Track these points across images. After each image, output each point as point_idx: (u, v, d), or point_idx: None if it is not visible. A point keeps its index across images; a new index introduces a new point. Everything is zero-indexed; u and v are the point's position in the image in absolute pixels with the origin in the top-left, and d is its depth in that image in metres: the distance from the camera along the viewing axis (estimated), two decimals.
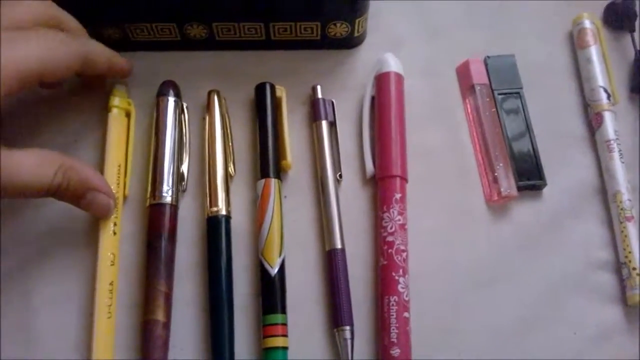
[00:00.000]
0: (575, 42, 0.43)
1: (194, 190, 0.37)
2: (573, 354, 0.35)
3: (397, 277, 0.34)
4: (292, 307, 0.34)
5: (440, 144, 0.40)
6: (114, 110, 0.37)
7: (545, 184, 0.38)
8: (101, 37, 0.37)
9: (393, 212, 0.36)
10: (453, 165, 0.39)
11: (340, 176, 0.38)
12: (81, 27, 0.35)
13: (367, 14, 0.39)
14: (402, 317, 0.34)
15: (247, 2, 0.37)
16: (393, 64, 0.39)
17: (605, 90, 0.40)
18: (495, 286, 0.36)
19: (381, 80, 0.39)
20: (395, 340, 0.33)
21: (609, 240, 0.38)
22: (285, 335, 0.33)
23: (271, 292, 0.34)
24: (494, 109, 0.40)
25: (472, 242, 0.37)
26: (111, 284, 0.34)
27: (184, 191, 0.37)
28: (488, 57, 0.41)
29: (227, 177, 0.37)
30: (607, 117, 0.40)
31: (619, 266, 0.37)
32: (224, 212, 0.35)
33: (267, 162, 0.37)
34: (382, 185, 0.37)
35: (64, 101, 0.39)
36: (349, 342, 0.34)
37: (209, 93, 0.39)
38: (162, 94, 0.38)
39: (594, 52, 0.41)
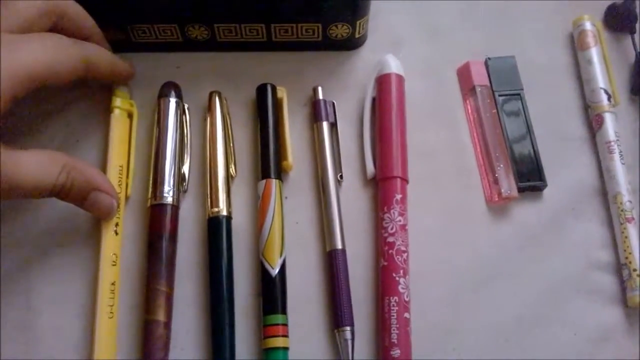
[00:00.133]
0: (576, 44, 0.43)
1: (195, 191, 0.38)
2: (573, 354, 0.35)
3: (397, 278, 0.34)
4: (293, 308, 0.34)
5: (440, 145, 0.40)
6: (116, 111, 0.37)
7: (545, 185, 0.39)
8: None
9: (394, 213, 0.36)
10: (453, 166, 0.39)
11: (341, 177, 0.38)
12: (86, 14, 0.35)
13: (368, 16, 0.40)
14: (403, 318, 0.34)
15: (248, 4, 0.37)
16: (394, 66, 0.39)
17: (606, 92, 0.40)
18: (496, 287, 0.36)
19: (382, 81, 0.39)
20: (395, 341, 0.33)
21: (609, 242, 0.38)
22: (285, 336, 0.33)
23: (272, 293, 0.34)
24: (495, 110, 0.40)
25: (473, 243, 0.37)
26: (113, 284, 0.34)
27: (185, 192, 0.37)
28: (489, 58, 0.42)
29: (228, 178, 0.37)
30: (608, 118, 0.40)
31: (619, 267, 0.37)
32: (225, 213, 0.36)
33: (268, 162, 0.37)
34: (383, 186, 0.37)
35: (66, 102, 0.39)
36: (349, 342, 0.34)
37: (210, 94, 0.39)
38: (163, 95, 0.38)
39: (594, 53, 0.42)
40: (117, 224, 0.35)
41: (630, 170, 0.39)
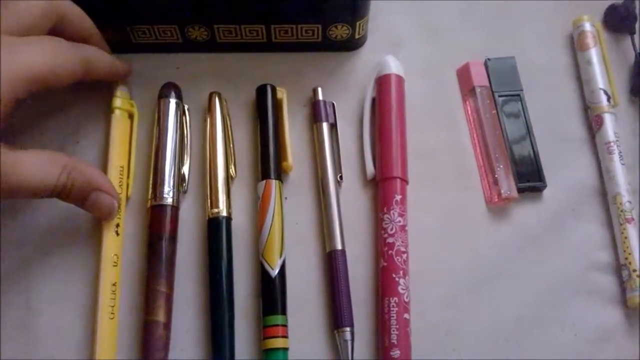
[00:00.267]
0: (576, 45, 0.43)
1: (195, 192, 0.38)
2: (573, 355, 0.35)
3: (397, 279, 0.34)
4: (293, 308, 0.34)
5: (440, 146, 0.40)
6: (117, 112, 0.37)
7: (545, 186, 0.39)
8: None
9: (393, 213, 0.36)
10: (453, 166, 0.39)
11: (341, 177, 0.38)
12: (85, 15, 0.35)
13: (368, 16, 0.40)
14: (403, 319, 0.34)
15: (248, 5, 0.37)
16: (393, 66, 0.39)
17: (606, 93, 0.40)
18: (496, 287, 0.36)
19: (382, 82, 0.39)
20: (395, 342, 0.33)
21: (609, 242, 0.38)
22: (285, 337, 0.33)
23: (271, 293, 0.34)
24: (495, 111, 0.40)
25: (473, 244, 0.37)
26: (114, 284, 0.34)
27: (185, 192, 0.37)
28: (488, 59, 0.42)
29: (228, 179, 0.37)
30: (607, 119, 0.40)
31: (619, 268, 0.37)
32: (224, 214, 0.36)
33: (268, 163, 0.37)
34: (383, 186, 0.37)
35: (67, 102, 0.39)
36: (349, 343, 0.34)
37: (210, 95, 0.39)
38: (163, 95, 0.38)
39: (594, 54, 0.42)
40: (118, 225, 0.35)
41: (629, 171, 0.39)
